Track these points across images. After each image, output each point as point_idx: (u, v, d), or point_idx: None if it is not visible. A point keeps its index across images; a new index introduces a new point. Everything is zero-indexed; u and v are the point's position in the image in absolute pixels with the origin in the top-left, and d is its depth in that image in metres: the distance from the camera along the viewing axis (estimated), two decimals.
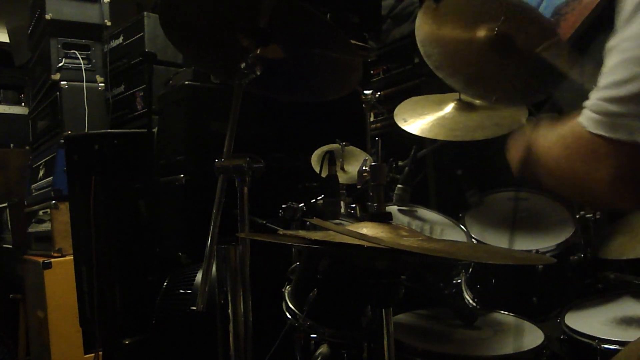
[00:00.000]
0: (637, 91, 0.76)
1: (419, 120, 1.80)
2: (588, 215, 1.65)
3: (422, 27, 1.64)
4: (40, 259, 2.81)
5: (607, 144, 0.78)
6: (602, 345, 1.23)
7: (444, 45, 1.61)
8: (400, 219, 1.74)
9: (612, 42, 0.81)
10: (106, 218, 2.24)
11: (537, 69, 1.56)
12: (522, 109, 1.86)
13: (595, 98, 0.81)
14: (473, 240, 1.67)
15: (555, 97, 2.17)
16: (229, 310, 1.16)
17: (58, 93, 3.06)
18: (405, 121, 1.78)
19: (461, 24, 1.65)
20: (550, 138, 0.92)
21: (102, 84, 3.21)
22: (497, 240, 1.66)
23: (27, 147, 3.96)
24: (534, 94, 1.58)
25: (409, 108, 1.88)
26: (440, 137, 1.75)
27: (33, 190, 3.31)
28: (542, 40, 1.68)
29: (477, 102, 1.85)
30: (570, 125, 0.85)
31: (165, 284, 1.91)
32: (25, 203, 3.42)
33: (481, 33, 1.63)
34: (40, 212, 3.10)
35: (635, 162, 0.78)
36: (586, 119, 0.81)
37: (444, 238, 1.65)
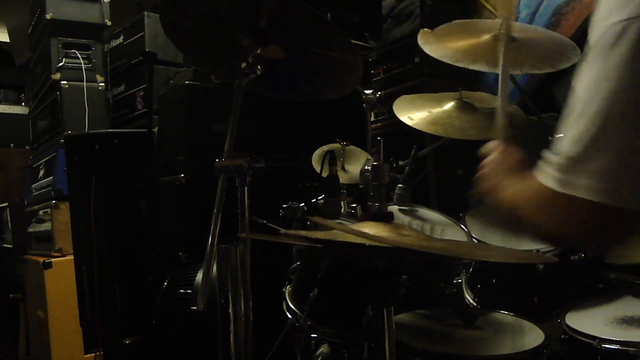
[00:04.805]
0: (586, 150, 0.75)
1: (418, 113, 1.81)
2: None
3: (427, 44, 1.66)
4: (41, 259, 2.81)
5: (565, 199, 0.77)
6: (603, 345, 1.23)
7: (454, 49, 1.62)
8: (401, 218, 1.74)
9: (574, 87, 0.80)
10: (106, 218, 2.24)
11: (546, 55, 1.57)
12: (519, 113, 1.87)
13: (554, 152, 0.80)
14: (474, 240, 1.67)
15: (557, 97, 2.17)
16: (230, 310, 1.16)
17: (58, 93, 3.05)
18: (411, 119, 1.78)
19: (462, 38, 1.66)
20: (514, 190, 0.92)
21: (103, 84, 3.21)
22: (498, 240, 1.66)
23: (27, 147, 3.96)
24: (561, 60, 1.58)
25: (407, 105, 1.88)
26: (439, 134, 1.77)
27: (33, 190, 3.31)
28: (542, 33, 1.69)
29: (477, 103, 1.85)
30: (530, 180, 0.85)
31: (165, 284, 1.91)
32: (26, 203, 3.42)
33: (485, 37, 1.64)
34: (41, 212, 3.09)
35: (596, 216, 0.76)
36: (543, 173, 0.81)
37: (445, 238, 1.65)
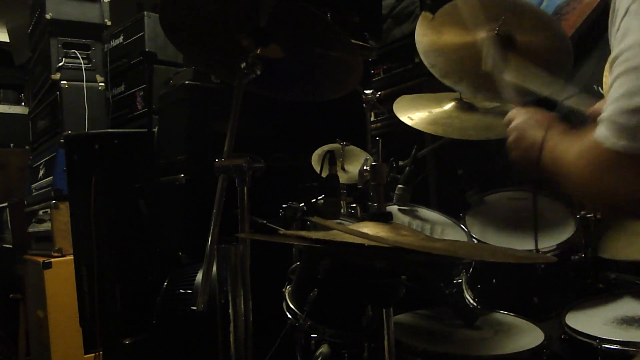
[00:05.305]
0: None
1: (418, 113, 1.82)
2: (589, 215, 1.65)
3: (423, 39, 1.65)
4: (40, 259, 2.81)
5: (627, 158, 0.76)
6: (603, 345, 1.23)
7: (447, 54, 1.62)
8: (401, 218, 1.74)
9: (615, 53, 0.80)
10: (106, 218, 2.24)
11: (541, 62, 1.56)
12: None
13: (608, 112, 0.79)
14: (474, 239, 1.67)
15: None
16: (230, 310, 1.16)
17: (58, 93, 3.05)
18: (411, 119, 1.78)
19: (461, 30, 1.66)
20: (570, 153, 0.90)
21: (102, 84, 3.21)
22: (498, 239, 1.66)
23: (27, 147, 3.96)
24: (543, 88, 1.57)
25: (407, 105, 1.88)
26: (439, 134, 1.77)
27: (33, 190, 3.31)
28: (543, 33, 1.68)
29: (477, 103, 1.85)
30: (588, 142, 0.83)
31: (165, 284, 1.91)
32: (25, 203, 3.42)
33: (482, 35, 1.63)
34: (40, 212, 3.10)
35: None
36: (601, 134, 0.80)
37: (445, 238, 1.65)
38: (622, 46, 0.79)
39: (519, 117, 1.12)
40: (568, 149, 0.91)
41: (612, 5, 0.85)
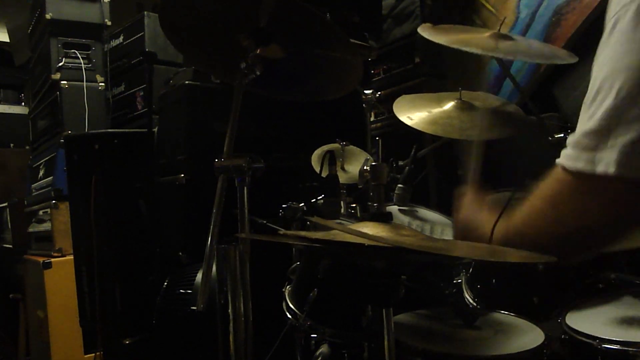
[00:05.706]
0: (617, 123, 0.74)
1: (418, 113, 1.81)
2: None
3: (426, 33, 1.66)
4: (40, 259, 2.82)
5: (590, 180, 0.76)
6: (603, 345, 1.23)
7: (451, 36, 1.61)
8: (401, 218, 1.74)
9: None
10: (106, 218, 2.24)
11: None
12: (520, 112, 1.87)
13: (575, 134, 0.80)
14: None
15: (557, 97, 2.17)
16: (229, 310, 1.16)
17: (58, 93, 3.06)
18: (411, 119, 1.78)
19: (462, 35, 1.66)
20: (532, 200, 0.91)
21: (102, 84, 3.21)
22: None
23: (27, 147, 3.96)
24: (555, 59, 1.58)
25: (407, 105, 1.88)
26: (439, 134, 1.77)
27: (33, 190, 3.31)
28: None
29: (477, 102, 1.85)
30: (551, 175, 0.84)
31: (165, 284, 1.91)
32: (25, 203, 3.42)
33: (485, 34, 1.64)
34: (40, 212, 3.10)
35: (625, 197, 0.75)
36: (565, 157, 0.80)
37: (445, 238, 1.65)
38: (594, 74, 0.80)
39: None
40: (529, 200, 0.93)
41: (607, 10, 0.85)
